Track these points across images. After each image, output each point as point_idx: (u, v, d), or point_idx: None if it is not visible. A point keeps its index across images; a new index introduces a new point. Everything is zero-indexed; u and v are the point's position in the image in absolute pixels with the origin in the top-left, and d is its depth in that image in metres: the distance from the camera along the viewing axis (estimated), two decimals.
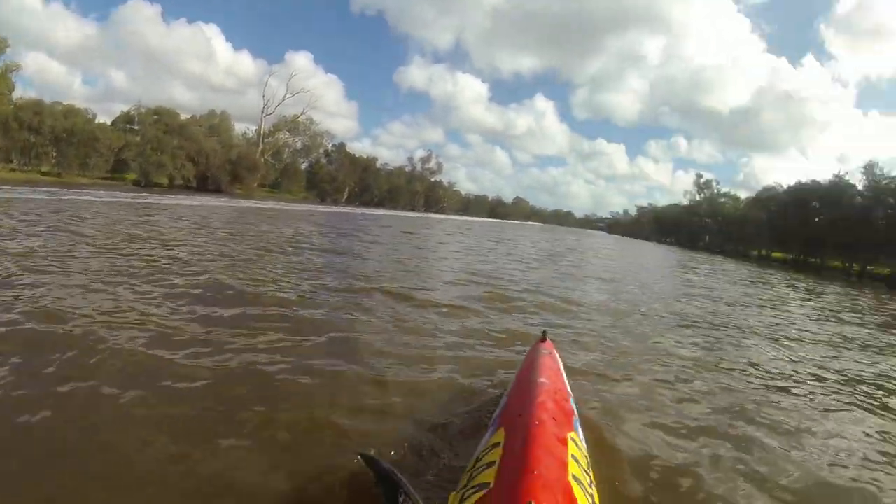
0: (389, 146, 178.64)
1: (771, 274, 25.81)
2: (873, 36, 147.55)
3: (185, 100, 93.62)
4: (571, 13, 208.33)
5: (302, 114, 60.31)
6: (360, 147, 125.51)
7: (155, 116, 45.52)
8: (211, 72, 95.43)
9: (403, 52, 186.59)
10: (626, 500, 2.34)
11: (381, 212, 45.21)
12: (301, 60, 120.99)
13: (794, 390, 4.53)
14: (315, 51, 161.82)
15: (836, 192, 50.81)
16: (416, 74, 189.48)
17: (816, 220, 52.50)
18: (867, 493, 2.74)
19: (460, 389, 3.39)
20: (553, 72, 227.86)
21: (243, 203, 28.24)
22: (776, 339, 6.88)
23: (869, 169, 47.66)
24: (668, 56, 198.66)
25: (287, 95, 58.35)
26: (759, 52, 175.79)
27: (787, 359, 5.83)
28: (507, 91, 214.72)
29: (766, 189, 66.24)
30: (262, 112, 57.67)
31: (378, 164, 75.95)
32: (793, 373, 5.19)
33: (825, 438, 3.42)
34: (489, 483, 1.50)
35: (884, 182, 45.75)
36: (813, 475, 2.84)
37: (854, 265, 47.48)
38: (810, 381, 4.96)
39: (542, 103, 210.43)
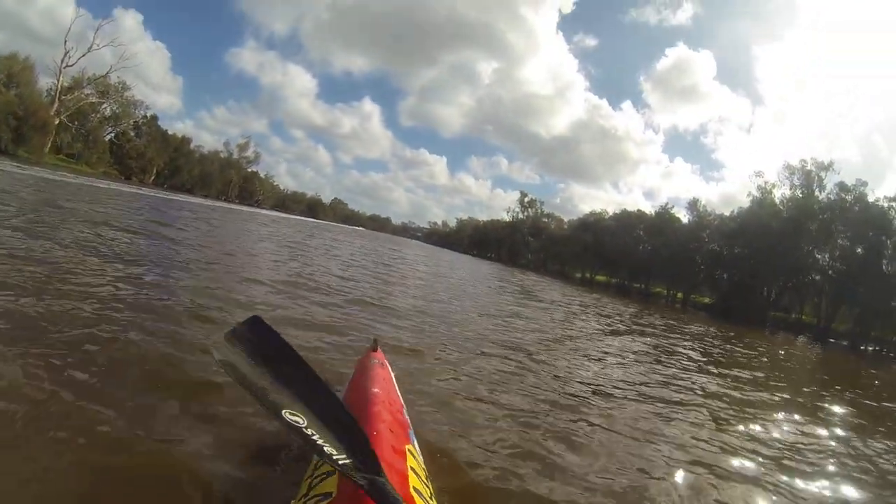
0: (212, 131, 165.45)
1: (608, 302, 25.41)
2: (683, 95, 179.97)
3: None
4: (411, 21, 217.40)
5: (110, 71, 52.61)
6: (182, 128, 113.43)
7: None
8: (26, 12, 77.52)
9: (239, 31, 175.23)
10: None
11: (194, 199, 41.91)
12: (130, 20, 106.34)
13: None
14: (146, 11, 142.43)
15: (660, 223, 58.22)
16: (248, 58, 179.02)
17: (641, 247, 59.44)
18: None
19: None
20: (384, 76, 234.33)
21: (17, 171, 23.02)
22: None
23: (693, 205, 55.67)
24: (498, 78, 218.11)
25: (94, 46, 50.12)
26: (583, 90, 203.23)
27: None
28: (336, 90, 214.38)
29: (593, 213, 73.41)
30: (62, 62, 48.43)
31: (192, 145, 71.76)
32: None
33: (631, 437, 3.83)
34: (332, 493, 1.43)
35: (709, 218, 53.29)
36: (626, 472, 3.15)
37: (677, 293, 54.17)
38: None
39: (370, 106, 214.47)
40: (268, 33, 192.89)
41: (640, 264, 58.70)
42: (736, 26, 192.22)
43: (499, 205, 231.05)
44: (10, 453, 1.98)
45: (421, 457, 1.95)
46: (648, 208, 68.67)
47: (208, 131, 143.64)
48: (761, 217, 44.87)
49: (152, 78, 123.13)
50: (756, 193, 47.70)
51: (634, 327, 14.07)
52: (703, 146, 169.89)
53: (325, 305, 6.54)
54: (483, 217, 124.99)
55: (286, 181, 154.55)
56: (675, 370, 7.41)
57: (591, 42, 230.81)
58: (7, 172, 20.20)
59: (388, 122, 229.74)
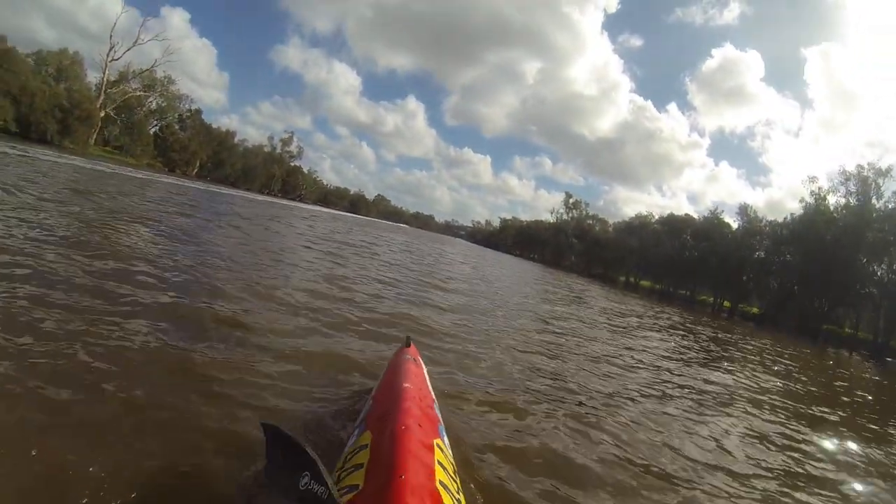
0: (257, 126, 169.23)
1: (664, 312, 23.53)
2: (730, 97, 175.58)
3: (45, 38, 78.40)
4: (455, 19, 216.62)
5: (155, 65, 52.95)
6: (227, 123, 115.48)
7: None
8: (78, 10, 79.81)
9: (283, 29, 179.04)
10: None
11: (235, 192, 41.97)
12: (177, 18, 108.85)
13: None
14: (193, 10, 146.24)
15: (709, 228, 55.23)
16: (292, 55, 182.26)
17: (687, 253, 56.48)
18: None
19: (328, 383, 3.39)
20: (428, 74, 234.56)
21: (62, 160, 23.28)
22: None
23: (743, 210, 52.34)
24: (543, 78, 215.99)
25: (140, 41, 50.33)
26: (627, 91, 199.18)
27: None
28: (381, 87, 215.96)
29: (639, 217, 70.59)
30: (108, 56, 48.78)
31: (236, 139, 71.68)
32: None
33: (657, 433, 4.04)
34: (359, 485, 1.51)
35: (760, 224, 50.07)
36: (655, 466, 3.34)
37: (724, 301, 51.23)
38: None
39: (414, 105, 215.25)
40: (311, 31, 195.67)
41: (685, 270, 55.76)
42: (784, 26, 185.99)
43: (542, 205, 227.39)
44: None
45: (450, 451, 2.00)
46: (693, 212, 66.26)
47: (253, 126, 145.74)
48: (816, 225, 41.66)
49: (199, 74, 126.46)
50: (809, 199, 44.45)
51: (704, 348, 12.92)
52: (750, 150, 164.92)
53: (362, 307, 6.31)
54: (526, 217, 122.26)
55: (330, 177, 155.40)
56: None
57: (636, 42, 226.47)
58: (46, 161, 19.77)
59: (431, 120, 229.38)
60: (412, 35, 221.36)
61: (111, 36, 48.29)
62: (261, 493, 1.95)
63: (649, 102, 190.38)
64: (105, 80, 48.09)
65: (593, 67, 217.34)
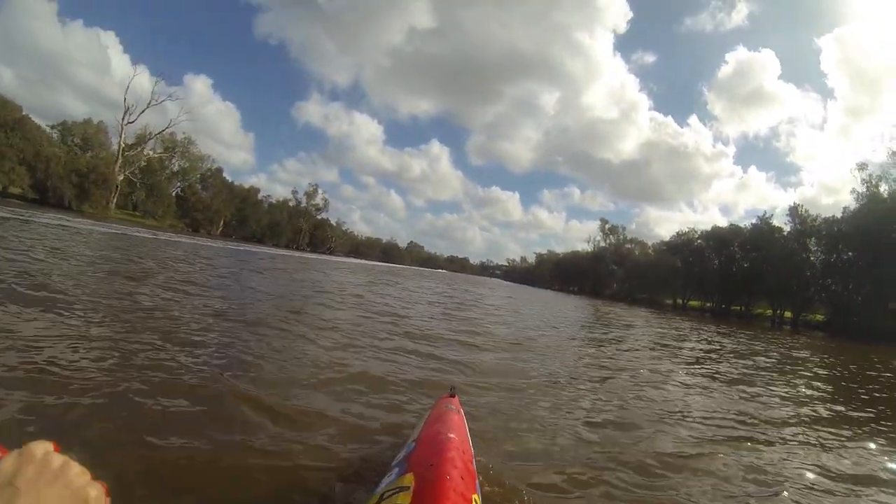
0: (284, 183, 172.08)
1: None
2: (749, 100, 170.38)
3: (75, 111, 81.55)
4: (469, 57, 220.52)
5: (171, 125, 51.74)
6: (255, 181, 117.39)
7: None
8: (106, 84, 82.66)
9: (302, 87, 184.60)
10: None
11: (267, 250, 39.58)
12: (200, 84, 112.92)
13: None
14: (214, 76, 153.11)
15: (757, 236, 50.01)
16: (313, 111, 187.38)
17: (737, 266, 51.74)
18: None
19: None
20: (449, 116, 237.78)
21: (79, 224, 21.90)
22: None
23: (794, 211, 46.90)
24: (562, 108, 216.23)
25: (154, 101, 49.04)
26: (647, 110, 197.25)
27: None
28: (403, 134, 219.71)
29: (681, 234, 65.19)
30: (123, 119, 47.79)
31: (260, 195, 70.22)
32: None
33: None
34: (409, 486, 1.54)
35: (815, 223, 44.95)
36: None
37: (785, 311, 45.87)
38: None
39: (437, 148, 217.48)
40: (331, 85, 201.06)
41: (737, 284, 50.47)
42: (793, 19, 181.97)
43: (574, 236, 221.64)
44: None
45: None
46: (726, 224, 60.12)
47: (280, 183, 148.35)
48: (877, 215, 36.51)
49: (224, 136, 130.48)
50: (861, 189, 39.83)
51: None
52: (776, 151, 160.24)
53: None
54: (560, 249, 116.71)
55: (361, 227, 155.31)
56: None
57: (649, 58, 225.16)
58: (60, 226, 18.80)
59: (456, 162, 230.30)
60: (429, 78, 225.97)
61: (125, 99, 47.32)
62: None
63: (669, 118, 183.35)
64: (122, 143, 46.84)
65: (610, 90, 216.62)
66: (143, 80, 58.13)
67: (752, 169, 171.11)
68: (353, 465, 2.67)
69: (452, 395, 3.03)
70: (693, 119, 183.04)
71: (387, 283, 19.68)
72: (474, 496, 1.82)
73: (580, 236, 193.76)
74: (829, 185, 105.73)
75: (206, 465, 2.46)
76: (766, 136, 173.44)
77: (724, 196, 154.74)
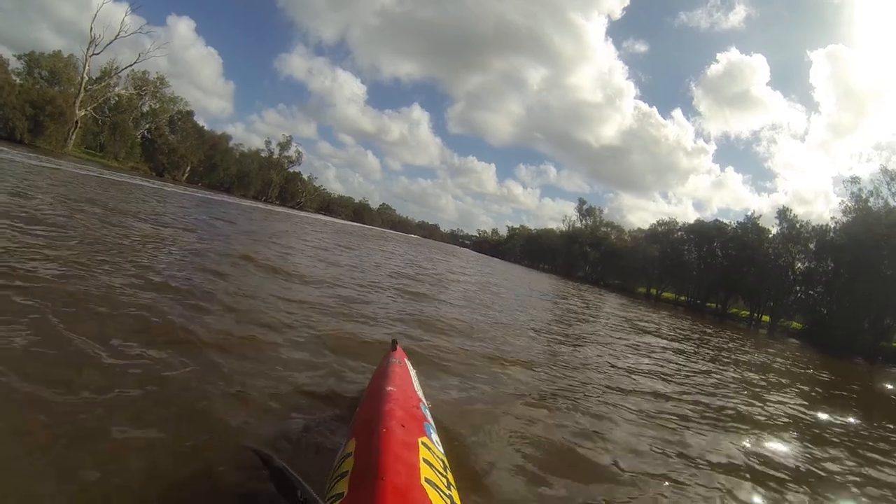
0: (262, 134, 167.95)
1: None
2: (735, 101, 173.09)
3: (54, 47, 76.73)
4: (461, 26, 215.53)
5: (139, 60, 48.03)
6: (233, 131, 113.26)
7: None
8: (84, 20, 77.63)
9: (288, 38, 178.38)
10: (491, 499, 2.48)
11: (230, 199, 38.28)
12: (183, 26, 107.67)
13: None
14: (199, 18, 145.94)
15: (742, 235, 49.37)
16: (297, 64, 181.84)
17: (717, 262, 51.35)
18: None
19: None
20: (433, 82, 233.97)
21: (13, 157, 20.13)
22: None
23: (782, 214, 46.26)
24: (547, 85, 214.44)
25: (123, 33, 44.62)
26: (632, 97, 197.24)
27: None
28: (385, 95, 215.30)
29: (661, 224, 64.62)
30: (88, 50, 43.51)
31: (231, 143, 68.38)
32: None
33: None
34: (343, 493, 1.53)
35: (802, 226, 44.44)
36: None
37: (762, 315, 45.39)
38: None
39: (418, 113, 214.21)
40: (316, 40, 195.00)
41: (716, 281, 50.23)
42: (790, 29, 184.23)
43: (547, 214, 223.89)
44: None
45: (440, 448, 2.00)
46: (698, 218, 62.74)
47: (258, 135, 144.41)
48: (871, 230, 36.66)
49: (205, 83, 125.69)
50: (849, 202, 39.92)
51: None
52: (756, 155, 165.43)
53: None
54: (532, 226, 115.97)
55: (334, 186, 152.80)
56: None
57: (640, 48, 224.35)
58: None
59: (436, 128, 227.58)
60: (417, 42, 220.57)
61: (91, 28, 43.55)
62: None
63: (654, 109, 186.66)
64: (84, 75, 44.27)
65: (598, 74, 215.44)
66: (120, 14, 54.76)
67: (730, 169, 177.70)
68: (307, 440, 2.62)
69: (395, 349, 3.09)
70: (677, 112, 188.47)
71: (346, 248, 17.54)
72: (421, 439, 1.85)
73: (552, 214, 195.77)
74: (803, 196, 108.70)
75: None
76: (747, 139, 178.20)
77: (700, 192, 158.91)
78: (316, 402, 3.16)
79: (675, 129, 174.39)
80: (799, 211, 43.76)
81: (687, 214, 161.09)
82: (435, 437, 2.06)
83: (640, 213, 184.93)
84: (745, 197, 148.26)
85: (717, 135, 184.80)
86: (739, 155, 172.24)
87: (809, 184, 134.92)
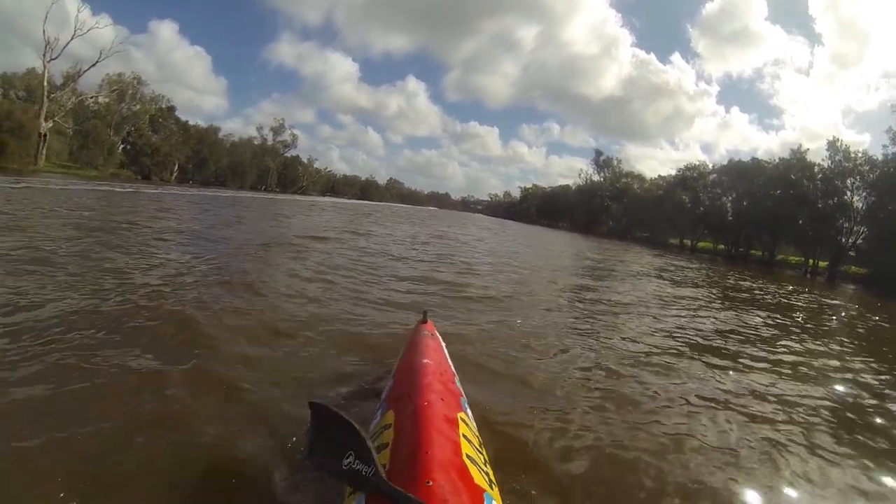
0: (262, 126, 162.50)
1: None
2: (734, 39, 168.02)
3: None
4: None
5: (101, 58, 43.99)
6: (232, 126, 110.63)
7: None
8: (64, 38, 74.34)
9: (273, 26, 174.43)
10: (522, 478, 2.35)
11: (225, 193, 35.62)
12: (165, 30, 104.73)
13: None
14: (180, 20, 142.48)
15: (785, 171, 43.66)
16: (285, 51, 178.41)
17: (760, 205, 44.88)
18: None
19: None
20: (425, 52, 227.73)
21: None
22: None
23: (832, 145, 40.15)
24: (541, 42, 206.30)
25: (79, 31, 41.47)
26: (629, 46, 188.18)
27: None
28: (379, 71, 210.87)
29: (690, 167, 58.68)
30: (45, 55, 40.10)
31: (221, 134, 65.11)
32: None
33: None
34: (385, 465, 1.48)
35: (858, 162, 38.66)
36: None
37: (817, 261, 40.05)
38: None
39: (414, 84, 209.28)
40: (301, 25, 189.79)
41: (759, 226, 44.48)
42: None
43: (555, 171, 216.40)
44: None
45: (474, 424, 1.95)
46: (708, 160, 58.80)
47: (257, 126, 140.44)
48: None
49: (195, 82, 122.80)
50: None
51: None
52: (760, 93, 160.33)
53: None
54: (543, 184, 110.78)
55: (340, 166, 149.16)
56: None
57: None
58: None
59: (434, 97, 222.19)
60: (404, 13, 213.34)
61: (44, 31, 39.70)
62: (301, 473, 1.98)
63: (652, 55, 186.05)
64: (45, 83, 41.11)
65: (591, 25, 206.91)
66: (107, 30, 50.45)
67: (735, 109, 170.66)
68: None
69: (425, 322, 3.06)
70: (676, 57, 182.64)
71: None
72: (460, 414, 1.82)
73: (561, 171, 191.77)
74: (812, 131, 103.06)
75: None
76: (749, 77, 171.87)
77: (706, 135, 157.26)
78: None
79: (676, 73, 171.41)
80: (808, 146, 38.64)
81: (696, 158, 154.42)
82: (470, 412, 2.02)
83: (648, 161, 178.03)
84: (752, 136, 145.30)
85: (718, 75, 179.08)
86: (744, 94, 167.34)
87: (818, 118, 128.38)
